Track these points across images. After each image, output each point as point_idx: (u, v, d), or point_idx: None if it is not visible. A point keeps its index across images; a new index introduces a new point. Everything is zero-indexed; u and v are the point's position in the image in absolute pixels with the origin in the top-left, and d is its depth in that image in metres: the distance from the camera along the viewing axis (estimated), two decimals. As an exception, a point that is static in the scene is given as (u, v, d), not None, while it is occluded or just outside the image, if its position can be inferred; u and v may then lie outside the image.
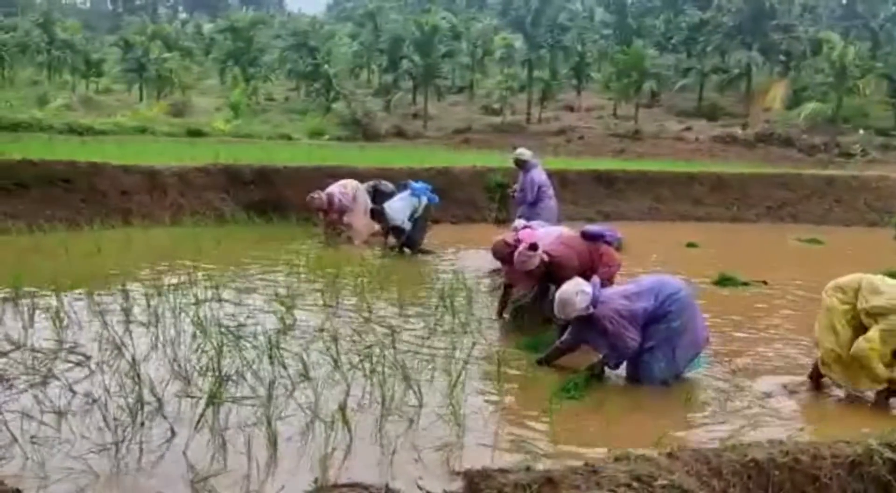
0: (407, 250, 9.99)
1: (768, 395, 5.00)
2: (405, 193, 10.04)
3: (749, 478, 3.17)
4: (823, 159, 29.65)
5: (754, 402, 4.84)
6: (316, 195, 10.51)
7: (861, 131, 33.30)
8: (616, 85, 40.35)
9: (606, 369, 5.17)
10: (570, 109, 43.17)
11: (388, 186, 11.12)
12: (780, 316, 7.18)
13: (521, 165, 9.85)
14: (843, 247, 12.77)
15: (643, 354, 5.04)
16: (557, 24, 44.56)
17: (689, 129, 36.31)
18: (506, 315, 6.55)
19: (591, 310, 4.97)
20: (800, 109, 34.84)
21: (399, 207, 9.83)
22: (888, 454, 3.37)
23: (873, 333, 4.74)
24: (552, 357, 5.30)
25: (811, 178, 18.63)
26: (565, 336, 5.29)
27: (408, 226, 9.84)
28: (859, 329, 4.86)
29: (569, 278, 5.58)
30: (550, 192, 9.73)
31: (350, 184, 10.85)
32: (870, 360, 4.74)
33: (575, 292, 5.03)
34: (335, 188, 10.66)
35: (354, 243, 10.48)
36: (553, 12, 44.63)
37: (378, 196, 10.69)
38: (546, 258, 5.86)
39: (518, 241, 6.74)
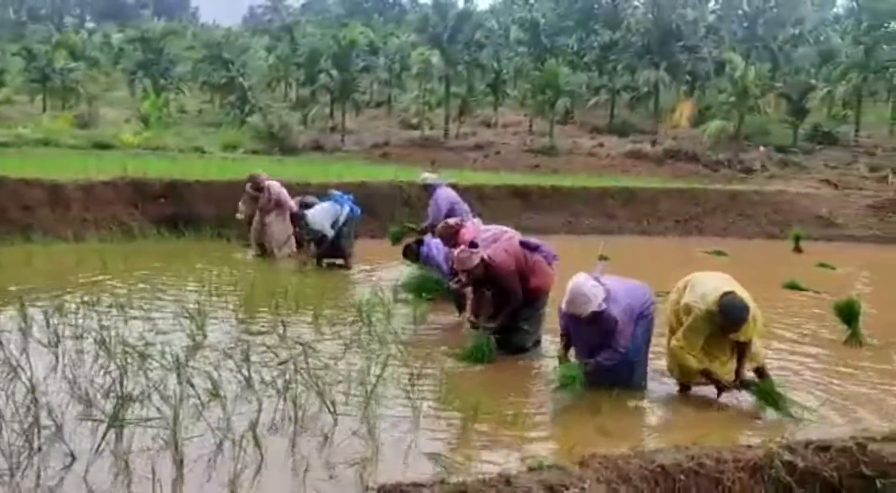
0: (326, 262, 9.86)
1: (675, 401, 5.16)
2: (326, 203, 9.97)
3: (657, 483, 3.25)
4: (727, 175, 30.87)
5: (662, 409, 4.98)
6: (260, 175, 10.76)
7: (762, 148, 34.84)
8: (532, 102, 41.06)
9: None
10: (488, 124, 43.65)
11: (313, 200, 11.04)
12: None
13: (429, 189, 9.94)
14: (745, 258, 13.33)
15: (637, 353, 5.22)
16: (474, 41, 45.05)
17: (601, 145, 37.23)
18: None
19: (604, 306, 4.93)
20: (705, 126, 36.15)
21: (320, 214, 9.73)
22: (787, 456, 3.51)
23: (679, 332, 5.04)
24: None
25: (716, 192, 19.40)
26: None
27: (330, 233, 9.73)
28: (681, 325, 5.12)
29: (506, 282, 5.86)
30: (464, 207, 9.77)
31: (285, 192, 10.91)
32: (680, 358, 5.03)
33: (592, 285, 4.96)
34: (276, 184, 10.76)
35: (273, 251, 10.38)
36: (469, 30, 45.07)
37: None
38: (486, 259, 5.91)
39: (461, 224, 6.83)
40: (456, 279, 6.95)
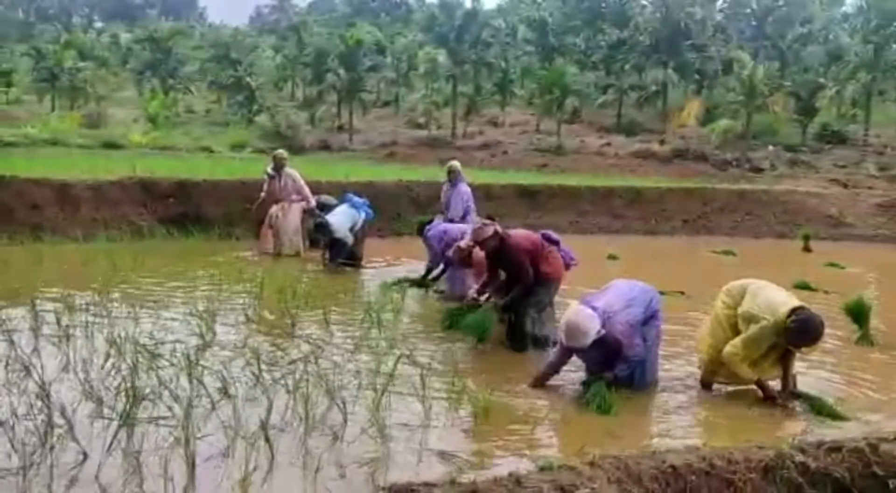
0: (347, 268, 9.84)
1: (686, 402, 5.15)
2: (344, 206, 9.95)
3: (668, 484, 3.24)
4: (735, 174, 30.80)
5: (672, 409, 4.96)
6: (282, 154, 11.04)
7: (770, 148, 34.75)
8: (539, 101, 41.07)
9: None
10: (495, 123, 43.67)
11: (330, 200, 11.03)
12: (697, 325, 7.38)
13: (454, 177, 9.92)
14: (754, 258, 13.28)
15: (647, 353, 5.22)
16: (481, 41, 45.11)
17: (608, 144, 37.21)
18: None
19: (603, 332, 4.91)
20: (713, 125, 36.12)
21: (342, 221, 9.70)
22: (799, 457, 3.50)
23: (736, 339, 5.03)
24: (545, 377, 5.25)
25: (724, 192, 19.34)
26: (555, 356, 5.30)
27: (350, 239, 9.71)
28: (737, 333, 5.11)
29: (517, 261, 6.01)
30: (473, 205, 9.85)
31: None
32: (734, 365, 5.03)
33: (587, 316, 4.91)
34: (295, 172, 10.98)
35: (283, 241, 10.43)
36: (476, 29, 45.15)
37: (322, 211, 10.57)
38: (501, 232, 6.08)
39: (472, 246, 6.89)
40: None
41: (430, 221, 8.75)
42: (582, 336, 4.89)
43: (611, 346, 4.98)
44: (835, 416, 4.87)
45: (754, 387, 5.21)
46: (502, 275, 6.43)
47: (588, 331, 4.87)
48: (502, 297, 6.26)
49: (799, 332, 4.87)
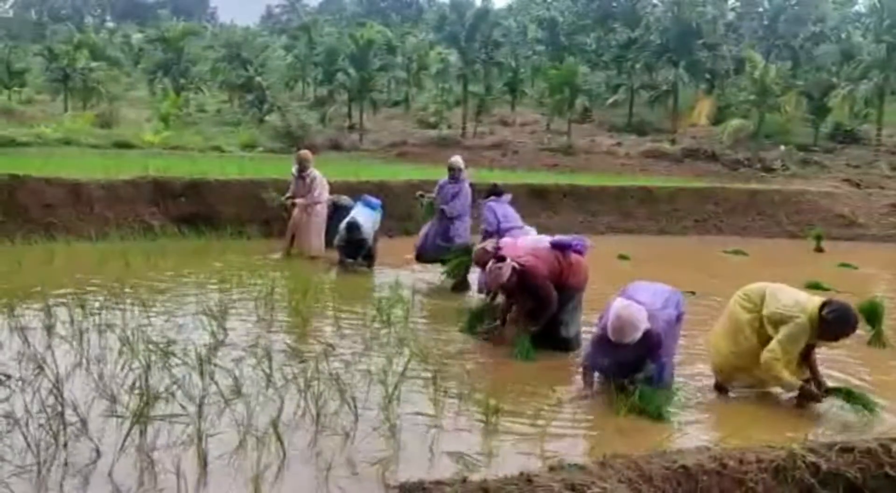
0: (361, 268, 9.85)
1: (697, 402, 5.14)
2: (360, 207, 9.96)
3: (679, 484, 3.24)
4: (746, 174, 30.63)
5: (684, 409, 4.95)
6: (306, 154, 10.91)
7: (782, 147, 34.55)
8: (549, 101, 40.97)
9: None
10: (505, 123, 43.59)
11: (347, 200, 11.01)
12: (708, 325, 7.35)
13: (457, 173, 9.81)
14: (765, 258, 13.23)
15: (668, 353, 5.22)
16: (491, 40, 45.04)
17: (619, 144, 37.09)
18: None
19: (648, 326, 4.86)
20: (724, 125, 35.95)
21: (367, 222, 9.73)
22: (811, 458, 3.49)
23: (773, 344, 4.97)
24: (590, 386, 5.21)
25: (735, 192, 19.26)
26: (593, 348, 5.24)
27: (370, 240, 9.76)
28: (764, 337, 5.06)
29: (539, 286, 5.90)
30: (470, 204, 9.86)
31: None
32: (774, 369, 4.95)
33: (636, 310, 4.85)
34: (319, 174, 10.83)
35: (303, 245, 10.43)
36: (487, 28, 45.07)
37: (338, 212, 10.56)
38: (517, 267, 5.97)
39: (498, 249, 6.85)
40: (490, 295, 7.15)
41: (500, 194, 8.64)
42: (632, 330, 4.80)
43: (650, 343, 4.91)
44: (869, 405, 4.87)
45: (761, 388, 5.20)
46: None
47: (639, 324, 4.80)
48: (533, 321, 6.15)
49: (838, 322, 4.86)
